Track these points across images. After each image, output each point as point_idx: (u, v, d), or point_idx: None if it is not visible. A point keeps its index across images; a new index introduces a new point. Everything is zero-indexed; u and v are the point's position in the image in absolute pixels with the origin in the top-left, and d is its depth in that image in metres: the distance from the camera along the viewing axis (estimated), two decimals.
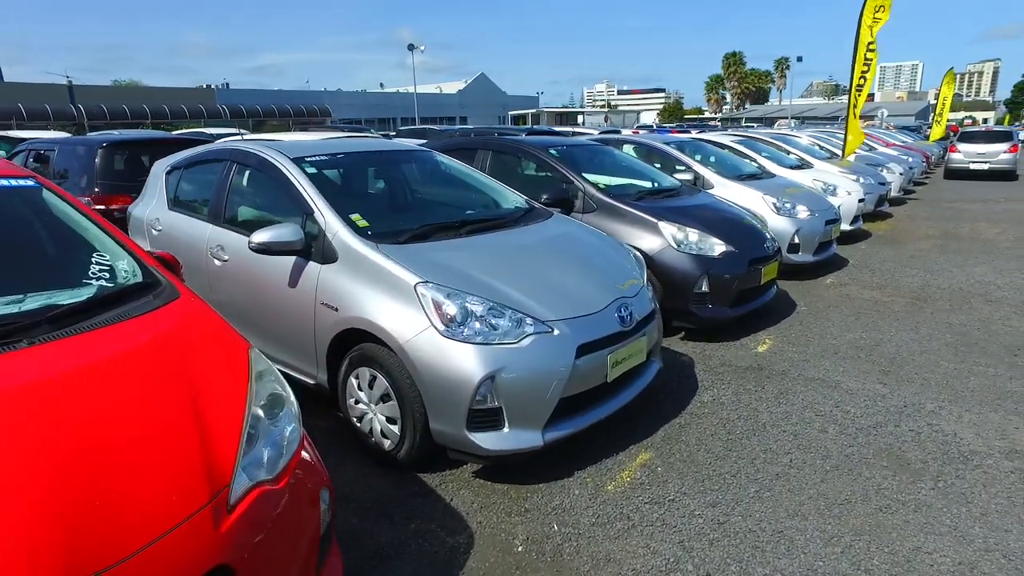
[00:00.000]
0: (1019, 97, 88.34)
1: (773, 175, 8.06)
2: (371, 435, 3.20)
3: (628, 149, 7.92)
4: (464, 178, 4.51)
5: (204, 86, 50.79)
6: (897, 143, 19.62)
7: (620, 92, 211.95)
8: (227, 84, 60.51)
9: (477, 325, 2.82)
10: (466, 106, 61.25)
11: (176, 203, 4.59)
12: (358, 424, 3.27)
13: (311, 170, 3.76)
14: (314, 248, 3.34)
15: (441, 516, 2.77)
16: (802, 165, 9.86)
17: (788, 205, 6.72)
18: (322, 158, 3.95)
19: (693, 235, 4.77)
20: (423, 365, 2.82)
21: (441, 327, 2.81)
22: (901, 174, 13.83)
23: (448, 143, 6.29)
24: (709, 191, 6.89)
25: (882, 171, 12.92)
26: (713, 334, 4.95)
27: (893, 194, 13.13)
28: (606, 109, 70.92)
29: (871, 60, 12.10)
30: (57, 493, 1.41)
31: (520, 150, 5.71)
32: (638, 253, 4.01)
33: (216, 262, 3.95)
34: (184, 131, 22.11)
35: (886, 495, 2.85)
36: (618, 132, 15.52)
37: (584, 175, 5.38)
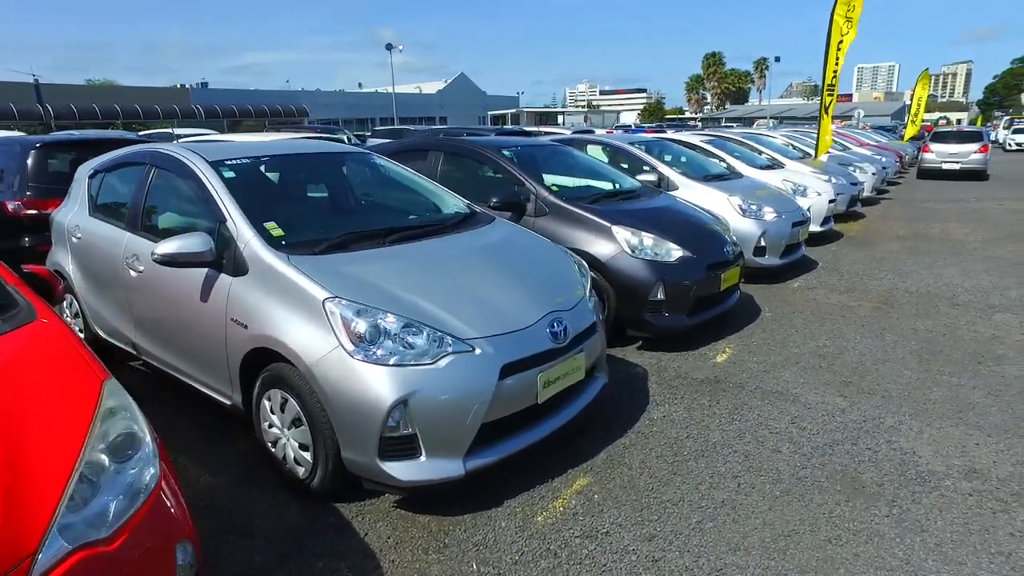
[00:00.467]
0: (991, 98, 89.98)
1: (741, 176, 7.90)
2: (285, 462, 2.95)
3: (596, 150, 7.72)
4: (402, 181, 4.26)
5: (178, 86, 49.89)
6: (871, 143, 19.66)
7: (602, 92, 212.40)
8: (205, 84, 59.54)
9: (391, 344, 2.57)
10: (446, 106, 60.94)
11: (96, 209, 4.29)
12: (272, 449, 3.01)
13: (229, 174, 3.48)
14: (225, 259, 3.07)
15: (353, 554, 2.52)
16: (773, 165, 9.73)
17: (754, 207, 6.55)
18: (243, 161, 3.67)
19: (648, 240, 4.55)
20: (331, 388, 2.56)
21: (350, 347, 2.55)
22: (874, 174, 13.79)
23: (398, 144, 6.05)
24: (673, 193, 6.69)
25: (855, 171, 12.87)
26: (670, 343, 4.74)
27: (866, 194, 13.08)
28: (586, 109, 70.88)
29: (840, 59, 12.01)
30: None
31: (472, 151, 5.46)
32: (582, 261, 3.78)
33: (132, 273, 3.66)
34: (151, 131, 21.60)
35: (837, 524, 2.64)
36: (592, 132, 15.33)
37: (538, 177, 5.14)
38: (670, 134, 11.91)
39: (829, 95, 12.31)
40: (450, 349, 2.59)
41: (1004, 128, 41.45)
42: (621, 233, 4.55)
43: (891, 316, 5.53)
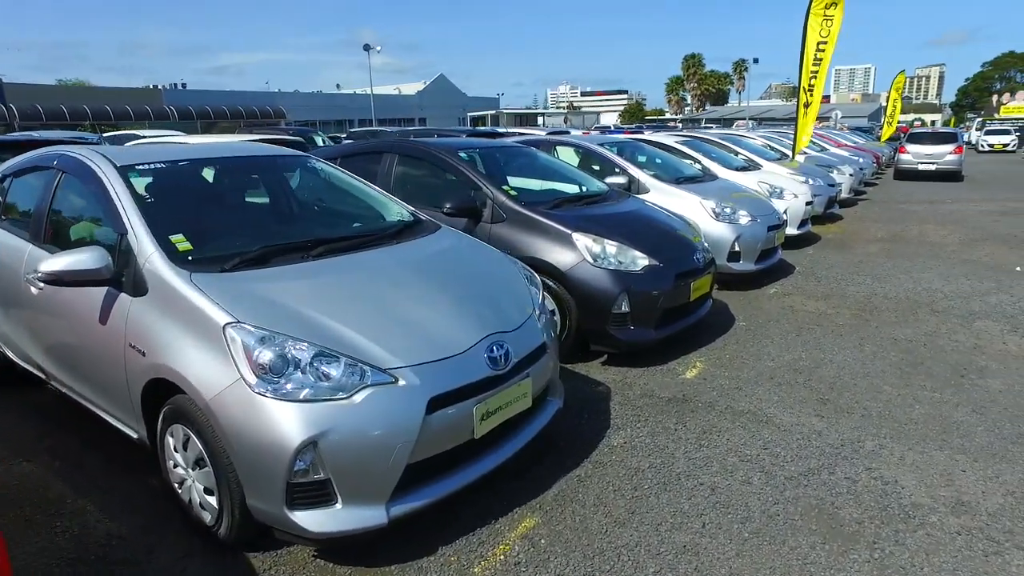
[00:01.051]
0: (963, 100, 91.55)
1: (716, 178, 7.64)
2: (191, 506, 2.60)
3: (567, 152, 7.43)
4: (341, 187, 3.90)
5: (151, 86, 48.85)
6: (848, 144, 19.64)
7: (583, 93, 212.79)
8: (184, 85, 58.41)
9: (300, 376, 2.23)
10: (425, 107, 60.46)
11: (2, 217, 3.87)
12: (179, 491, 2.65)
13: (139, 180, 3.11)
14: (125, 277, 2.70)
15: None
16: (749, 167, 9.50)
17: (728, 210, 6.28)
18: (158, 166, 3.30)
19: (612, 247, 4.25)
20: (232, 427, 2.22)
21: (252, 379, 2.21)
22: (851, 175, 13.67)
23: (351, 147, 5.70)
24: (644, 196, 6.41)
25: (832, 172, 12.73)
26: (637, 358, 4.44)
27: (843, 195, 12.95)
28: (566, 110, 70.80)
29: (821, 59, 11.84)
30: None
31: (427, 154, 5.11)
32: (534, 274, 3.44)
33: (33, 290, 3.26)
34: (116, 133, 20.92)
35: (812, 572, 2.35)
36: (568, 133, 15.05)
37: (497, 180, 4.82)
38: (646, 135, 11.68)
39: (809, 94, 12.14)
40: (369, 381, 2.27)
41: (977, 130, 42.00)
42: (582, 240, 4.23)
43: (870, 324, 5.28)
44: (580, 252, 4.19)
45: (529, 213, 4.45)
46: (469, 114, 53.78)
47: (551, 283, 4.22)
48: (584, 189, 5.48)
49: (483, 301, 2.87)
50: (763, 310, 5.74)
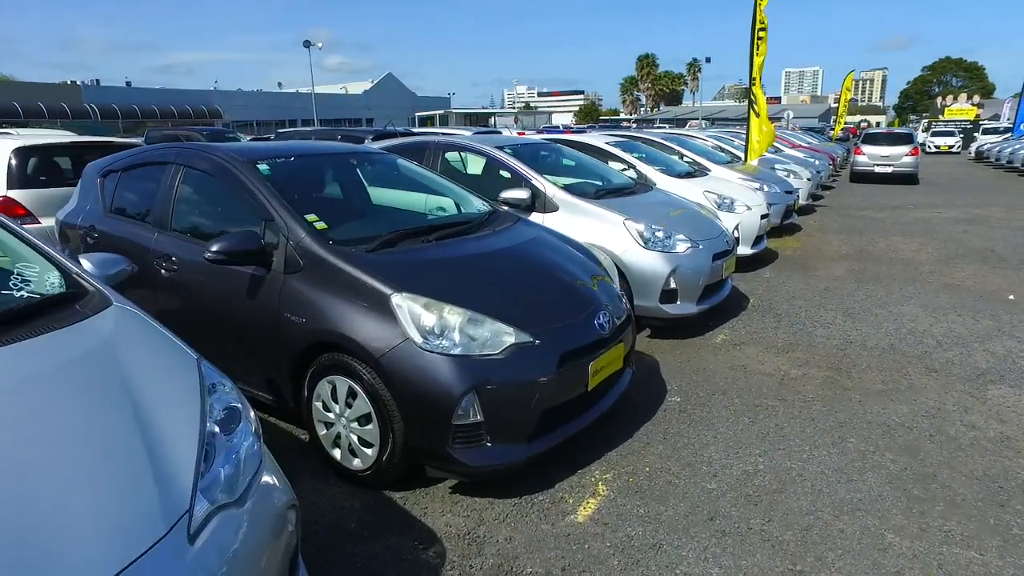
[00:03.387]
0: (905, 103, 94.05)
1: (651, 188, 6.14)
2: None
3: (461, 157, 5.82)
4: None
5: (68, 82, 45.30)
6: (804, 144, 18.62)
7: (540, 94, 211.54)
8: (129, 83, 54.53)
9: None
10: (373, 107, 58.17)
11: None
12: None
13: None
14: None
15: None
16: (695, 172, 8.06)
17: (662, 234, 4.75)
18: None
19: (454, 318, 2.63)
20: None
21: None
22: (809, 179, 12.43)
23: (129, 157, 3.97)
24: (549, 215, 4.84)
25: (789, 177, 11.47)
26: (497, 485, 2.84)
27: (801, 202, 11.70)
28: (516, 110, 69.22)
29: (760, 43, 10.54)
30: None
31: (217, 166, 3.40)
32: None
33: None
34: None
35: None
36: (499, 133, 13.47)
37: (301, 207, 3.15)
38: (571, 135, 10.17)
39: (755, 88, 10.82)
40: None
41: (923, 131, 42.23)
42: (407, 306, 2.61)
43: (850, 398, 3.82)
44: (403, 325, 2.57)
45: (335, 261, 2.81)
46: (417, 114, 51.76)
47: (363, 373, 2.62)
48: (446, 214, 3.88)
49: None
50: (706, 373, 4.23)
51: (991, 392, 3.85)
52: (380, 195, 4.07)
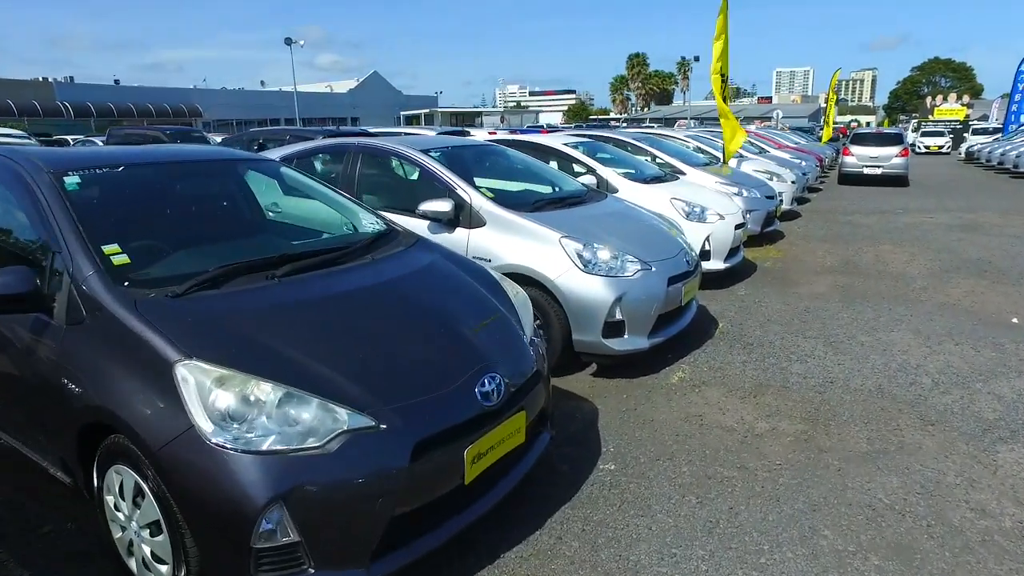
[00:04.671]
0: (894, 103, 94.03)
1: (606, 196, 5.35)
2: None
3: (395, 164, 5.04)
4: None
5: (40, 79, 44.08)
6: (790, 145, 17.93)
7: (532, 93, 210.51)
8: (117, 80, 53.31)
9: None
10: (358, 106, 57.25)
11: None
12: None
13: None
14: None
15: None
16: (664, 177, 7.30)
17: (605, 254, 3.97)
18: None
19: (263, 394, 1.85)
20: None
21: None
22: (793, 182, 11.70)
23: None
24: (476, 231, 4.07)
25: (772, 180, 10.75)
26: None
27: (785, 207, 10.98)
28: (503, 110, 68.25)
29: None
30: None
31: (14, 177, 2.58)
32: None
33: None
34: None
35: None
36: (467, 133, 12.70)
37: (99, 235, 2.36)
38: (549, 136, 9.40)
39: (722, 82, 10.11)
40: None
41: (913, 131, 41.75)
42: (195, 380, 1.81)
43: (827, 464, 3.06)
44: (187, 406, 1.76)
45: (116, 310, 2.03)
46: (402, 113, 50.86)
47: (145, 467, 1.83)
48: (323, 237, 3.10)
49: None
50: (654, 427, 3.46)
51: (1002, 456, 3.11)
52: (246, 214, 3.28)
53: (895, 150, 17.10)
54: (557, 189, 5.30)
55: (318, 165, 5.26)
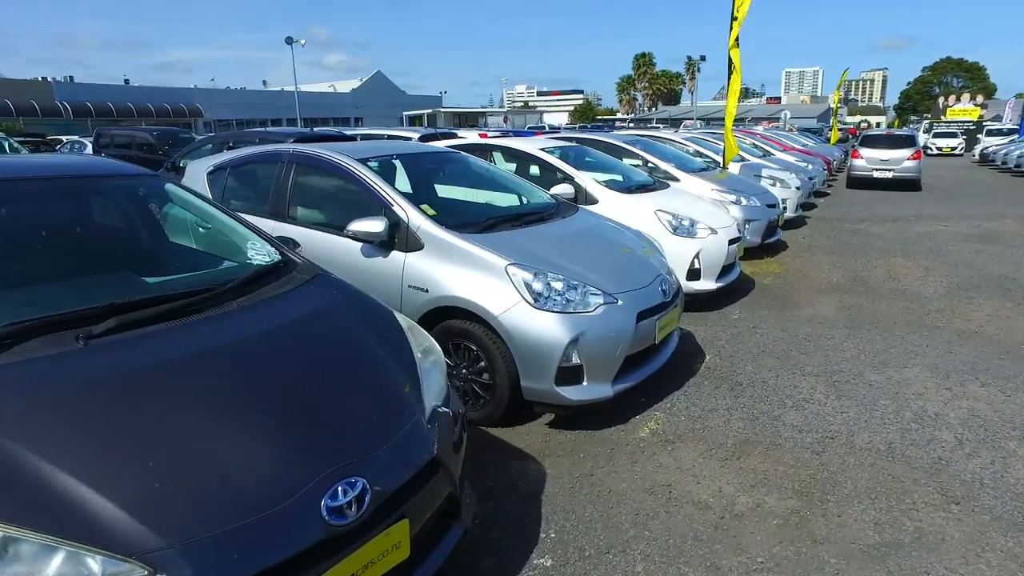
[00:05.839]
0: (905, 103, 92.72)
1: (577, 210, 4.68)
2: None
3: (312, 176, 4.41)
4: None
5: (39, 78, 43.81)
6: (797, 147, 17.20)
7: (539, 93, 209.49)
8: (127, 80, 53.09)
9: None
10: (361, 106, 56.77)
11: None
12: None
13: None
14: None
15: None
16: (653, 184, 6.63)
17: (560, 285, 3.31)
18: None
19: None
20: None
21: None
22: (798, 188, 11.00)
23: None
24: (414, 253, 3.44)
25: (775, 186, 10.07)
26: None
27: (789, 214, 10.30)
28: (505, 110, 67.45)
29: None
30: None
31: None
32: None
33: None
34: None
35: None
36: (454, 135, 12.06)
37: None
38: (526, 140, 8.76)
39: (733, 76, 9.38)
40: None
41: (924, 132, 40.78)
42: None
43: (823, 561, 2.40)
44: None
45: None
46: (405, 113, 50.30)
47: None
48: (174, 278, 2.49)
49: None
50: (610, 502, 2.81)
51: None
52: (104, 243, 2.67)
53: (907, 153, 16.33)
54: (523, 201, 4.67)
55: (251, 175, 4.65)
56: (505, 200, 4.64)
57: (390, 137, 11.17)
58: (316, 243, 3.86)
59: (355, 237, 3.57)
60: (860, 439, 3.35)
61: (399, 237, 3.55)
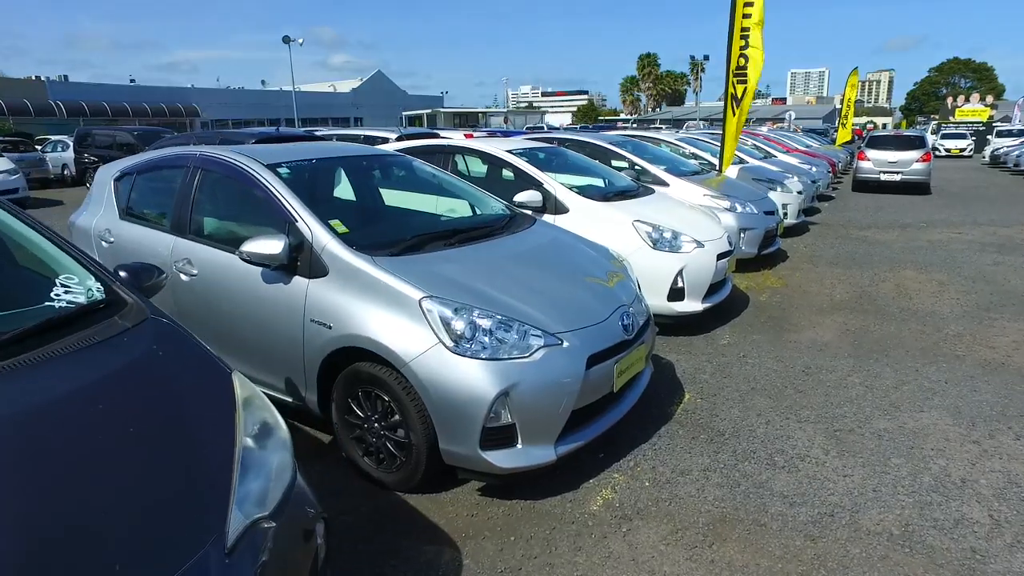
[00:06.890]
0: (912, 104, 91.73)
1: (533, 222, 4.00)
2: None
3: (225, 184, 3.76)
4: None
5: (33, 77, 43.32)
6: (800, 148, 16.47)
7: (544, 94, 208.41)
8: (133, 79, 52.73)
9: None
10: (361, 106, 56.20)
11: None
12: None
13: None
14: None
15: None
16: (636, 190, 5.96)
17: (487, 323, 2.64)
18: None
19: None
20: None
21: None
22: (801, 192, 10.29)
23: None
24: (318, 280, 2.78)
25: (776, 190, 9.38)
26: None
27: (790, 221, 9.61)
28: (506, 110, 66.65)
29: (749, 29, 8.35)
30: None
31: None
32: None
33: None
34: None
35: None
36: (435, 135, 11.41)
37: None
38: (493, 141, 8.09)
39: (740, 82, 8.66)
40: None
41: (932, 133, 39.91)
42: None
43: None
44: None
45: None
46: (404, 113, 49.68)
47: None
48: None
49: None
50: None
51: None
52: None
53: (916, 155, 15.58)
54: (475, 212, 4.01)
55: (157, 182, 4.00)
56: (455, 209, 3.98)
57: (366, 137, 10.54)
58: (214, 265, 3.21)
59: (250, 260, 2.91)
60: (867, 517, 2.67)
61: (302, 260, 2.89)
